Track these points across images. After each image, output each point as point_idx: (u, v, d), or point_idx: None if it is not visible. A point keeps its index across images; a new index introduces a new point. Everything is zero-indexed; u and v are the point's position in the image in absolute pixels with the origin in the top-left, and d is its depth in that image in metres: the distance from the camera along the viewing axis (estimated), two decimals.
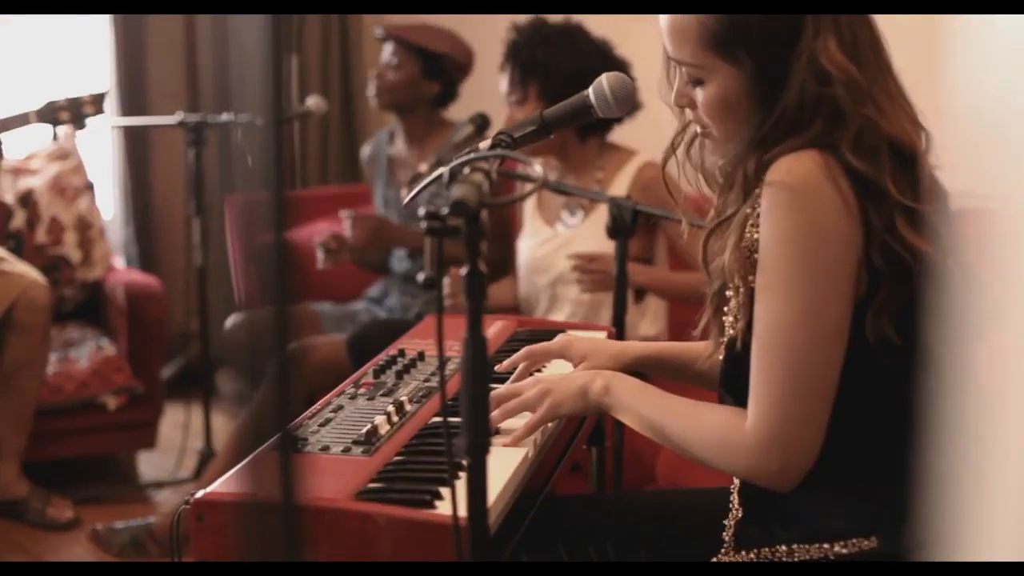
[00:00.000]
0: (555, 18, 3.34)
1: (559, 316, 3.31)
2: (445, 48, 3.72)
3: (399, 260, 3.82)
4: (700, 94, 1.66)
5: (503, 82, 3.26)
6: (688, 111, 1.72)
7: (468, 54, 3.79)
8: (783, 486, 1.59)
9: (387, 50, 3.77)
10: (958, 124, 0.81)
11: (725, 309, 1.69)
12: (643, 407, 1.70)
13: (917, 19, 2.46)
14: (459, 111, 3.87)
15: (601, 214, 3.18)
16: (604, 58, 3.19)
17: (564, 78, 3.13)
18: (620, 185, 3.20)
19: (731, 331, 1.66)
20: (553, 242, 3.28)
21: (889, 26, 1.67)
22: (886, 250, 1.53)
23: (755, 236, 1.58)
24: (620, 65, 3.19)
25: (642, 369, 1.96)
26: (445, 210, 1.29)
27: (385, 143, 3.92)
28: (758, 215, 1.58)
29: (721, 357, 1.69)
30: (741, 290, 1.62)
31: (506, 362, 1.98)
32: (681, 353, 1.93)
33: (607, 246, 3.09)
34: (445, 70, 3.72)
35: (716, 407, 1.69)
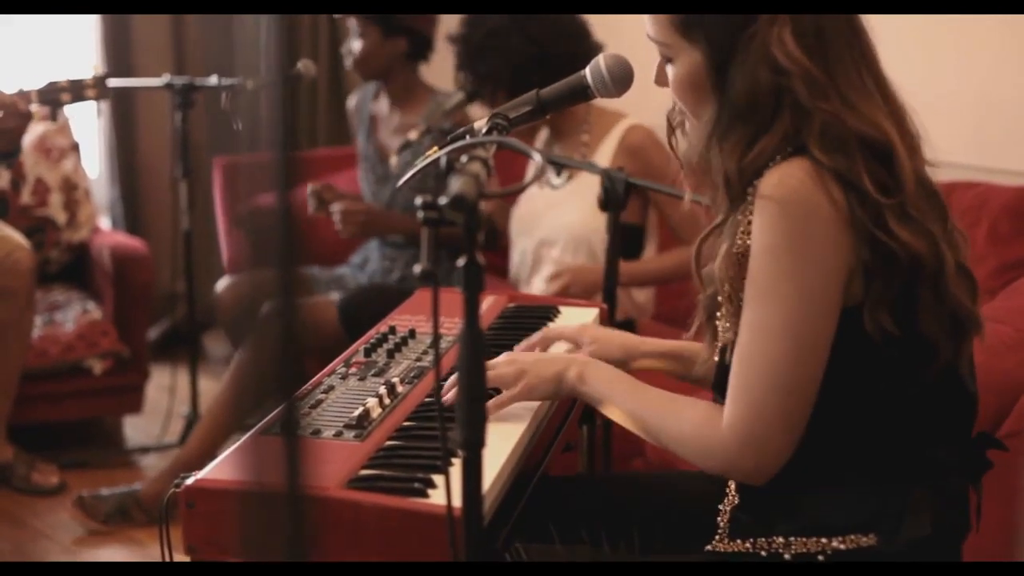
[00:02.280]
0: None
1: (542, 278, 3.29)
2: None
3: None
4: (671, 73, 1.66)
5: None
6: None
7: None
8: (756, 483, 1.60)
9: (352, 25, 3.71)
10: None
11: (718, 314, 1.67)
12: (618, 396, 1.69)
13: None
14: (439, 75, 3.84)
15: (587, 177, 3.16)
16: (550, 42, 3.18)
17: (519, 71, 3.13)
18: (606, 149, 3.18)
19: (725, 336, 1.65)
20: (538, 202, 3.26)
21: None
22: (874, 244, 1.51)
23: (747, 243, 1.58)
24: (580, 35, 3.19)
25: (652, 366, 1.94)
26: (442, 200, 1.26)
27: (370, 97, 3.86)
28: (749, 222, 1.57)
29: (716, 360, 1.68)
30: (732, 297, 1.61)
31: (523, 343, 1.97)
32: (693, 353, 1.90)
33: (590, 209, 3.08)
34: (403, 22, 3.65)
35: (694, 401, 1.67)
